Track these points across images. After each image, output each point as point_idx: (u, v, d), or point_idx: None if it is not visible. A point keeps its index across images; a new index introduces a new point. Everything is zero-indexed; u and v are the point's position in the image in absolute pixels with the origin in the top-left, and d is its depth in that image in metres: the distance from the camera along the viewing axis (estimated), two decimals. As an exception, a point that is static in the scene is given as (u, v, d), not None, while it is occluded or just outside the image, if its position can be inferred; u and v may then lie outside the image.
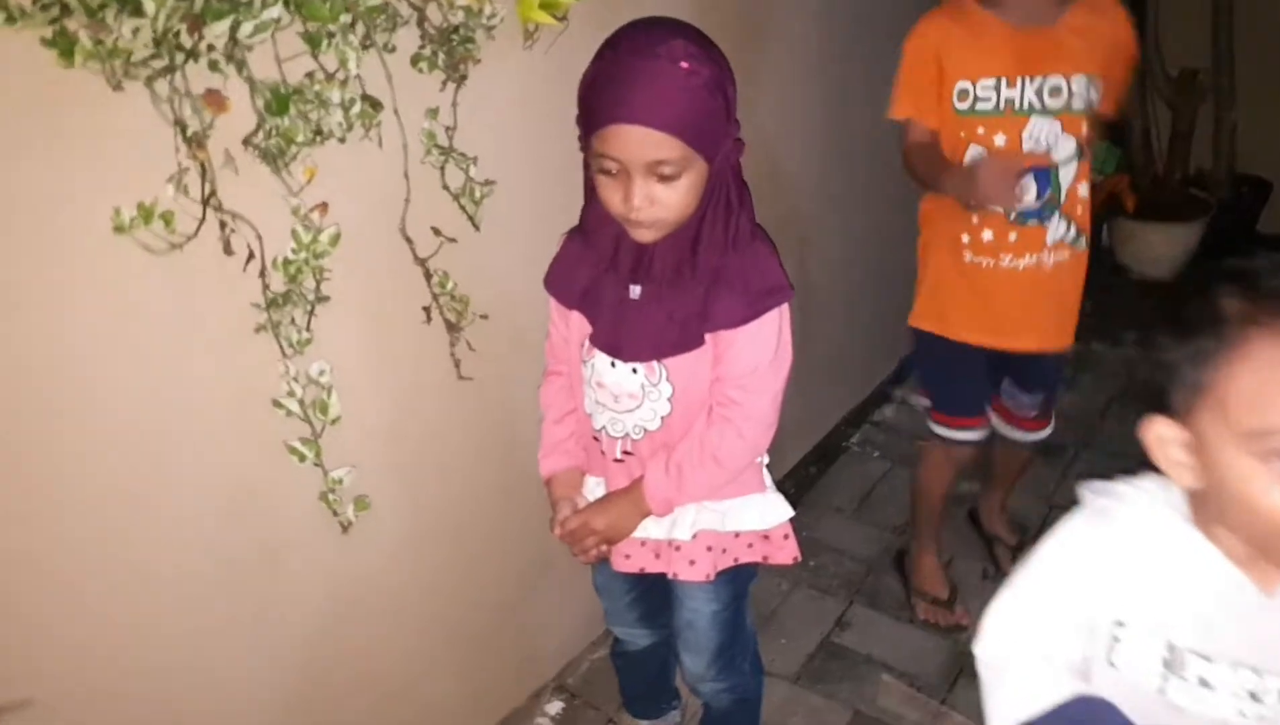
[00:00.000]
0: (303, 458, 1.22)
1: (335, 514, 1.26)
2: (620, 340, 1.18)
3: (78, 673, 1.12)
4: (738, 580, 1.37)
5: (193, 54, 1.00)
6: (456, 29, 1.27)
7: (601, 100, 1.04)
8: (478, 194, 1.39)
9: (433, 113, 1.31)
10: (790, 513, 1.34)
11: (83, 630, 1.11)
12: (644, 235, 1.12)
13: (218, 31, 1.01)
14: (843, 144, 2.37)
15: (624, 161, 1.06)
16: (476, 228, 1.41)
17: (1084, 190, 1.70)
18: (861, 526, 2.48)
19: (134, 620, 1.16)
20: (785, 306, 1.20)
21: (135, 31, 0.93)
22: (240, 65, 1.05)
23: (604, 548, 1.26)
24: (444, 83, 1.31)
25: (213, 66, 1.03)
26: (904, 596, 2.19)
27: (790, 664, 2.02)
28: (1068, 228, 1.70)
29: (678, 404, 1.20)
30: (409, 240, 1.31)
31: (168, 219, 1.07)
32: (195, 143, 1.04)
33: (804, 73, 2.16)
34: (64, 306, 1.03)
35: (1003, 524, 2.31)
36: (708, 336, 1.16)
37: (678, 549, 1.28)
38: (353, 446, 1.29)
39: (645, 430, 1.22)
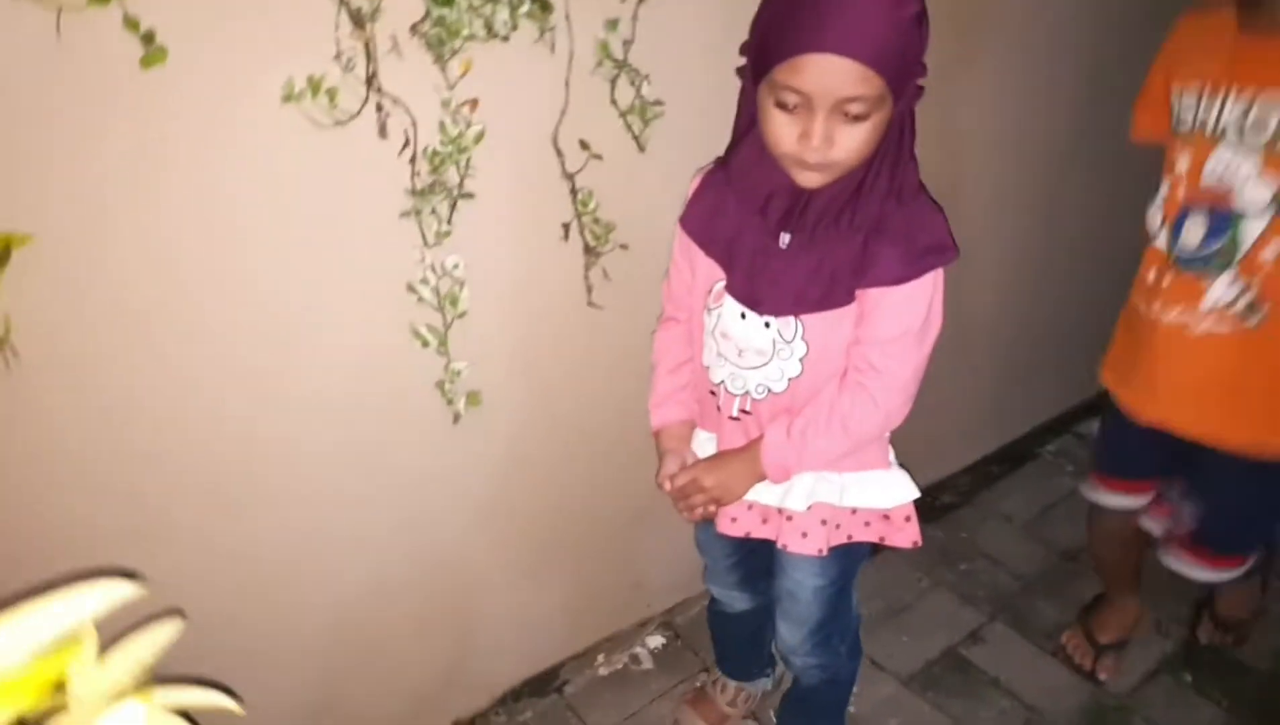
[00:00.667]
0: (426, 343, 1.26)
1: (449, 403, 1.31)
2: (760, 291, 1.11)
3: (206, 539, 1.24)
4: (848, 558, 1.30)
5: (364, -65, 1.03)
6: (643, -63, 1.22)
7: (795, 25, 0.94)
8: (648, 114, 1.36)
9: (612, 24, 1.28)
10: (915, 493, 1.25)
11: (209, 491, 1.23)
12: (811, 179, 1.03)
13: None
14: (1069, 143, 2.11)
15: (812, 95, 0.96)
16: (641, 149, 1.38)
17: (1271, 254, 1.32)
18: (1029, 541, 2.28)
19: (255, 488, 1.27)
20: (939, 273, 1.09)
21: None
22: (410, -49, 1.07)
23: (711, 508, 1.22)
24: (623, -6, 1.27)
25: (384, -50, 1.06)
26: (1058, 624, 1.99)
27: (906, 664, 1.91)
28: (1239, 296, 1.35)
29: (809, 367, 1.13)
30: (559, 152, 1.30)
31: (332, 95, 1.12)
32: (360, 24, 1.08)
33: (1024, 65, 1.93)
34: (229, 167, 1.11)
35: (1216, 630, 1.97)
36: (855, 294, 1.07)
37: (790, 519, 1.22)
38: (474, 343, 1.32)
39: (769, 390, 1.16)
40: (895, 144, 1.02)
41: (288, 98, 1.10)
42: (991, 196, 2.03)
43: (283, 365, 1.23)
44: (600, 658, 1.89)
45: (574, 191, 1.34)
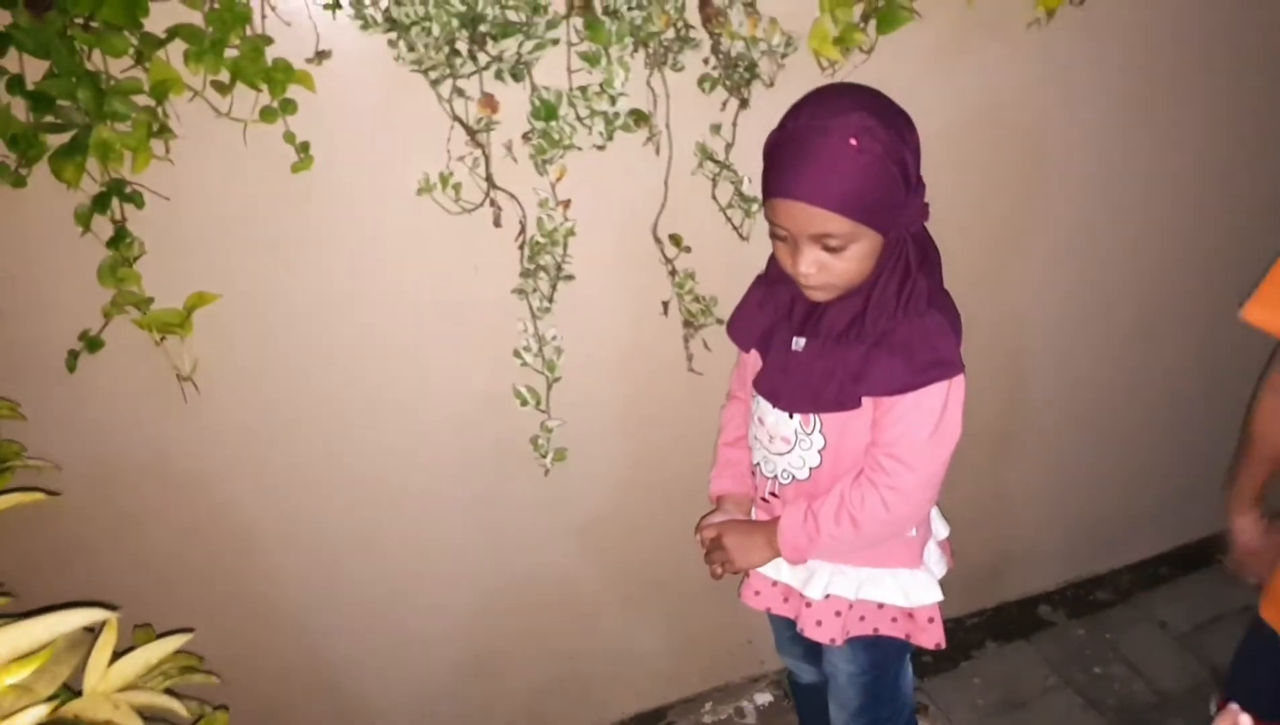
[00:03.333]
0: (524, 402, 1.44)
1: (541, 457, 1.48)
2: (780, 387, 1.21)
3: (323, 549, 1.49)
4: (877, 649, 1.33)
5: (478, 65, 1.22)
6: (741, 57, 1.33)
7: (772, 170, 1.07)
8: (753, 209, 1.46)
9: (715, 128, 1.41)
10: (938, 597, 1.27)
11: (343, 510, 1.48)
12: (815, 295, 1.14)
13: (504, 47, 1.21)
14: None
15: (789, 231, 1.08)
16: (744, 238, 1.49)
17: None
18: (1181, 654, 2.12)
19: (380, 515, 1.51)
20: (957, 383, 1.13)
21: (425, 46, 1.17)
22: (519, 75, 1.25)
23: (729, 568, 1.31)
24: (724, 103, 1.39)
25: (498, 76, 1.25)
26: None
27: (1004, 762, 1.86)
28: None
29: (828, 458, 1.20)
30: (658, 240, 1.44)
31: (457, 189, 1.33)
32: (473, 135, 1.28)
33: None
34: (373, 244, 1.35)
35: None
36: (867, 400, 1.14)
37: (808, 605, 1.29)
38: (570, 405, 1.48)
39: (793, 476, 1.24)
40: (901, 261, 1.09)
41: (421, 190, 1.31)
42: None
43: (409, 413, 1.46)
44: (708, 705, 2.00)
45: (673, 273, 1.47)
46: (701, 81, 1.36)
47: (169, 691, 0.90)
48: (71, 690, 0.65)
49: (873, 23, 1.35)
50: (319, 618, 1.57)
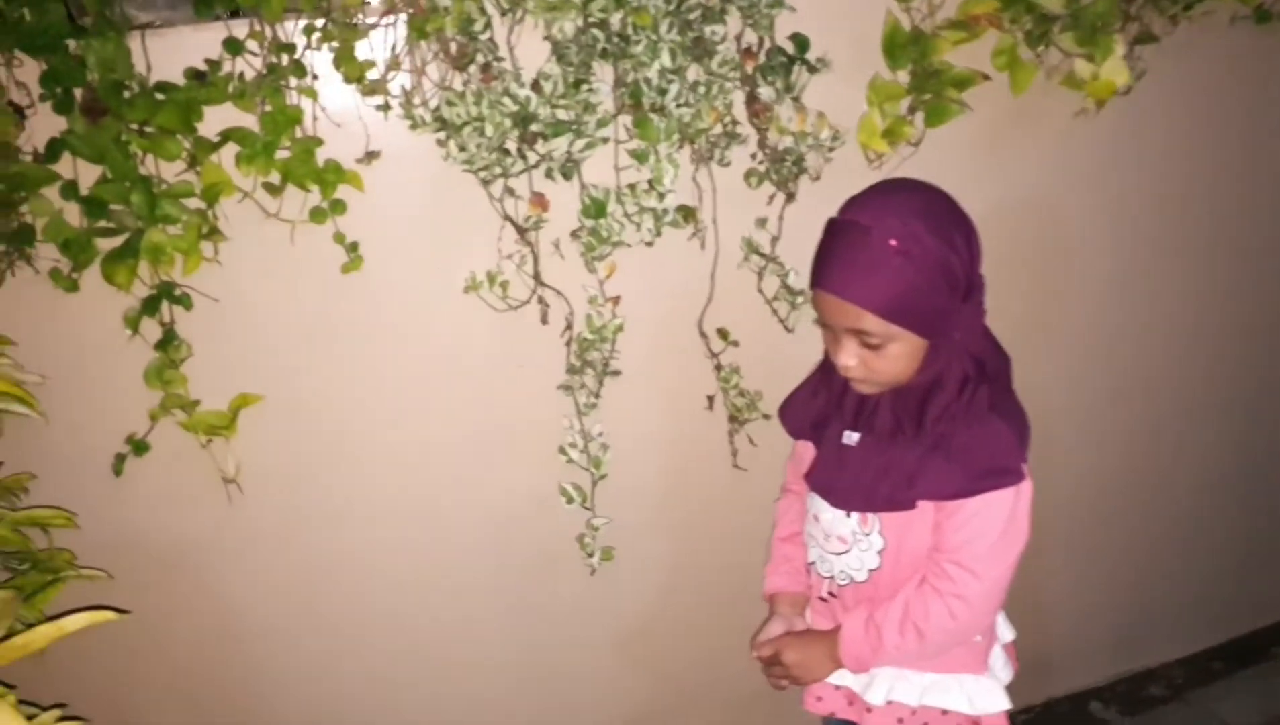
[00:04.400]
0: (570, 499, 1.41)
1: (588, 556, 1.44)
2: (833, 483, 1.17)
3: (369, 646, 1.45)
4: (941, 757, 1.26)
5: (528, 164, 1.23)
6: (788, 151, 1.33)
7: (816, 261, 1.06)
8: (799, 301, 1.45)
9: (761, 222, 1.40)
10: (1005, 705, 1.20)
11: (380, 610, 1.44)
12: (861, 388, 1.11)
13: (554, 146, 1.22)
14: None
15: (828, 323, 1.06)
16: (789, 330, 1.47)
17: None
18: (1247, 756, 2.02)
19: (412, 610, 1.47)
20: (1024, 489, 1.09)
21: (477, 146, 1.17)
22: (569, 173, 1.25)
23: (793, 684, 1.26)
24: (770, 196, 1.38)
25: (547, 174, 1.25)
26: None
27: None
28: None
29: (888, 561, 1.16)
30: (704, 335, 1.42)
31: (504, 286, 1.32)
32: (522, 233, 1.27)
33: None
34: (420, 341, 1.34)
35: None
36: (927, 503, 1.10)
37: (869, 710, 1.23)
38: (616, 502, 1.44)
39: (851, 578, 1.19)
40: (957, 366, 1.05)
41: (468, 288, 1.30)
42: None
43: (451, 506, 1.42)
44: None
45: (718, 368, 1.45)
46: (748, 176, 1.36)
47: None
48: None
49: (919, 115, 1.35)
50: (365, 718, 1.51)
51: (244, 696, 1.43)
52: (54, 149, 1.14)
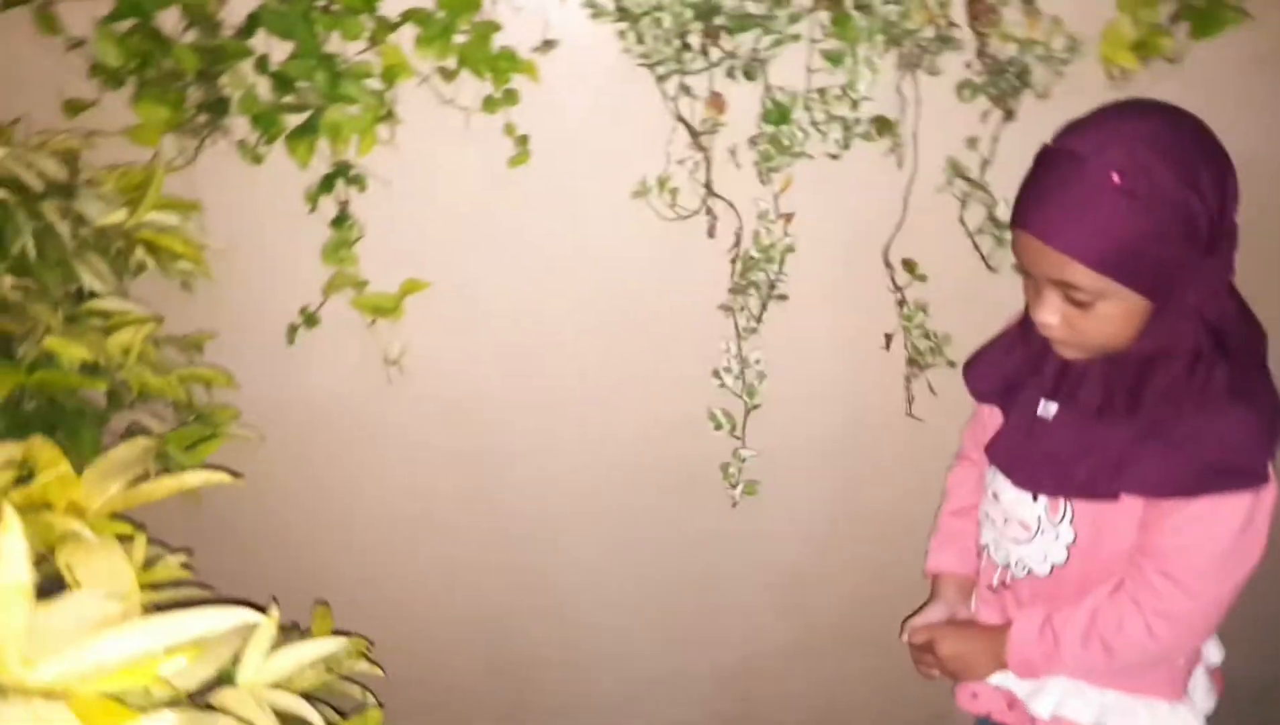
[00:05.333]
0: (719, 426, 1.33)
1: (731, 487, 1.36)
2: (1019, 458, 1.00)
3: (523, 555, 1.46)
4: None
5: (709, 61, 1.13)
6: (1012, 61, 1.15)
7: (1021, 192, 0.89)
8: (1008, 236, 1.27)
9: (971, 142, 1.23)
10: (1200, 736, 1.03)
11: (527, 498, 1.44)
12: (1064, 351, 0.93)
13: (738, 42, 1.11)
14: None
15: (1027, 269, 0.89)
16: (992, 269, 1.30)
17: None
18: None
19: (554, 521, 1.46)
20: (1263, 495, 0.89)
21: (655, 39, 1.08)
22: (753, 74, 1.14)
23: (944, 677, 1.13)
24: (984, 113, 1.21)
25: (729, 74, 1.15)
26: None
27: None
28: None
29: (1076, 558, 0.99)
30: (889, 265, 1.28)
31: (674, 194, 1.24)
32: (696, 137, 1.18)
33: None
34: (582, 243, 1.29)
35: None
36: (1136, 497, 0.93)
37: (1032, 721, 1.08)
38: (767, 434, 1.35)
39: (1029, 570, 1.03)
40: (1192, 337, 0.86)
41: (637, 193, 1.24)
42: None
43: (597, 415, 1.39)
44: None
45: (902, 303, 1.31)
46: (961, 88, 1.19)
47: (310, 698, 0.88)
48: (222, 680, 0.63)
49: (1183, 25, 1.12)
50: (494, 620, 1.54)
51: (359, 583, 1.48)
52: (250, 23, 1.17)
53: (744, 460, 1.35)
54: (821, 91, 1.15)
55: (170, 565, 0.74)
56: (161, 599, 0.69)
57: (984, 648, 1.06)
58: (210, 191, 1.21)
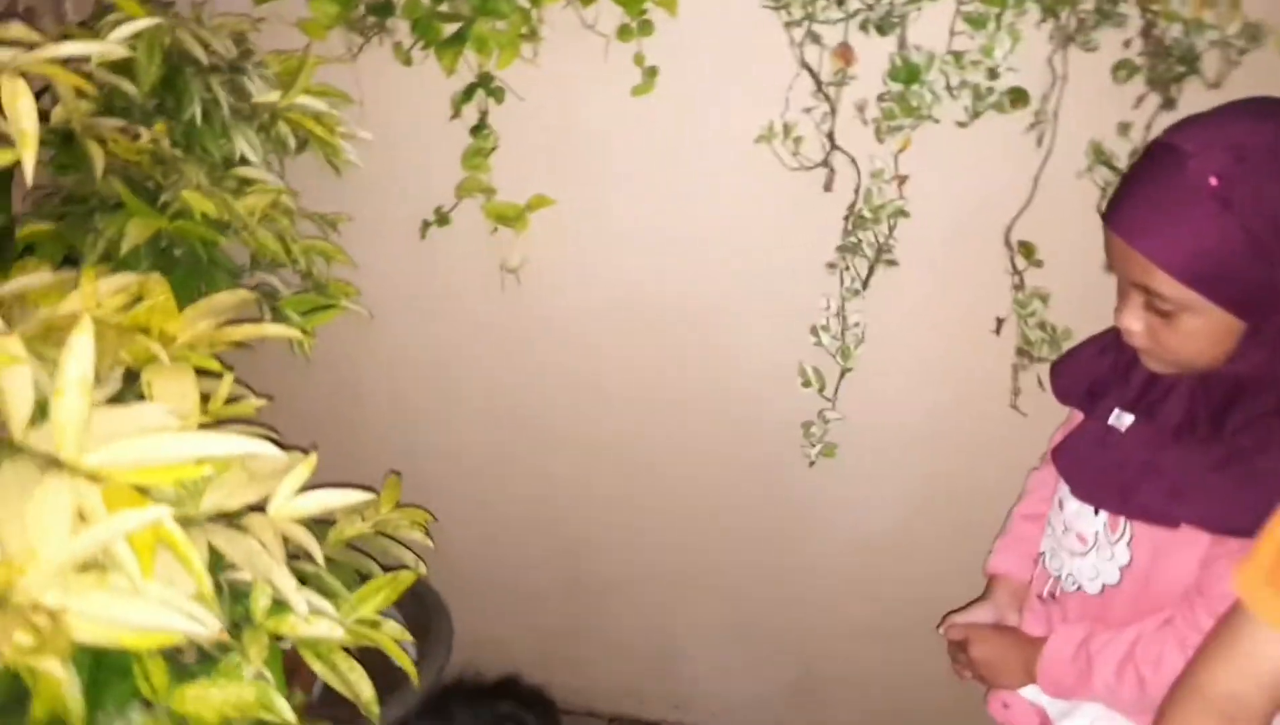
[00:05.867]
0: (808, 383, 1.33)
1: (810, 446, 1.36)
2: (1082, 468, 0.95)
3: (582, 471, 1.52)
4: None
5: (846, 12, 1.11)
6: (1178, 44, 1.06)
7: (1118, 186, 0.82)
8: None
9: (1123, 128, 1.15)
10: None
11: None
12: (1148, 362, 0.87)
13: (877, -5, 1.09)
14: None
15: (1114, 268, 0.84)
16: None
17: None
18: None
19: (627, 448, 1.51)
20: None
21: (787, -17, 1.08)
22: (887, 28, 1.11)
23: (975, 678, 1.10)
24: (1140, 98, 1.12)
25: (862, 26, 1.12)
26: None
27: None
28: None
29: (1130, 582, 0.93)
30: (1010, 247, 1.22)
31: (798, 142, 1.24)
32: (821, 86, 1.17)
33: None
34: (702, 183, 1.31)
35: None
36: (1195, 527, 0.87)
37: None
38: (855, 399, 1.34)
39: (1080, 586, 0.99)
40: None
41: (761, 138, 1.24)
42: None
43: (693, 352, 1.42)
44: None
45: (1018, 288, 1.25)
46: (1117, 69, 1.11)
47: (358, 556, 0.98)
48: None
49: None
50: (570, 540, 1.62)
51: (441, 471, 1.58)
52: (419, -70, 1.25)
53: (828, 422, 1.34)
54: (957, 55, 1.11)
55: (247, 406, 0.84)
56: (228, 429, 0.79)
57: (1017, 657, 1.02)
58: (369, 88, 1.32)
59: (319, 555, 0.68)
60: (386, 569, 0.95)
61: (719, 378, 1.42)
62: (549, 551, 1.64)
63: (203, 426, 0.71)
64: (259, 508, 0.71)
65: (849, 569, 1.52)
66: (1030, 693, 1.04)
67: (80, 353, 0.59)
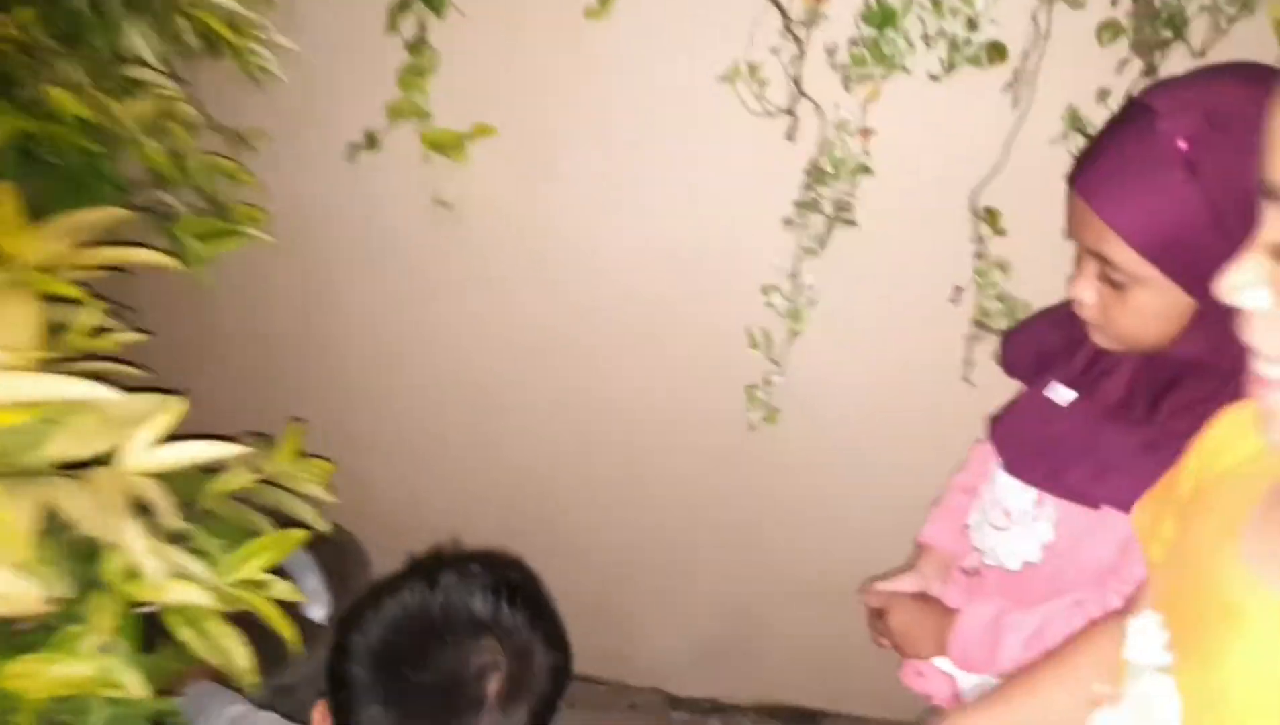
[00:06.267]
0: (755, 345, 1.27)
1: (749, 409, 1.30)
2: (1013, 440, 0.91)
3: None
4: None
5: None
6: (1167, 6, 0.99)
7: (1086, 144, 0.76)
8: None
9: (1102, 95, 1.08)
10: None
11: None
12: (1097, 337, 0.82)
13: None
14: None
15: (1074, 236, 0.78)
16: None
17: None
18: None
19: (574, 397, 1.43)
20: None
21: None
22: (862, -34, 1.02)
23: (891, 646, 1.06)
24: (1122, 62, 1.05)
25: (837, -40, 1.03)
26: None
27: None
28: None
29: (1050, 560, 0.89)
30: (975, 213, 1.16)
31: (763, 84, 1.15)
32: (789, 25, 1.08)
33: None
34: (655, 118, 1.22)
35: None
36: (1109, 508, 0.83)
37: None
38: (800, 364, 1.28)
39: (1001, 563, 0.95)
40: (1238, 349, 0.72)
41: (726, 77, 1.15)
42: None
43: (636, 310, 1.34)
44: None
45: (979, 256, 1.19)
46: (1102, 29, 1.04)
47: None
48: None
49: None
50: (508, 487, 1.54)
51: (351, 409, 1.49)
52: None
53: (772, 385, 1.28)
54: (936, 2, 1.02)
55: (109, 341, 0.74)
56: (81, 368, 0.70)
57: (931, 627, 0.99)
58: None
59: (168, 513, 0.60)
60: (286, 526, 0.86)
61: (663, 333, 1.34)
62: (485, 505, 1.56)
63: (49, 364, 0.62)
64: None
65: (789, 535, 1.47)
66: (944, 663, 1.01)
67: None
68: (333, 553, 1.40)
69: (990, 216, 1.15)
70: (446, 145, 1.28)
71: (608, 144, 1.25)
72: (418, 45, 1.22)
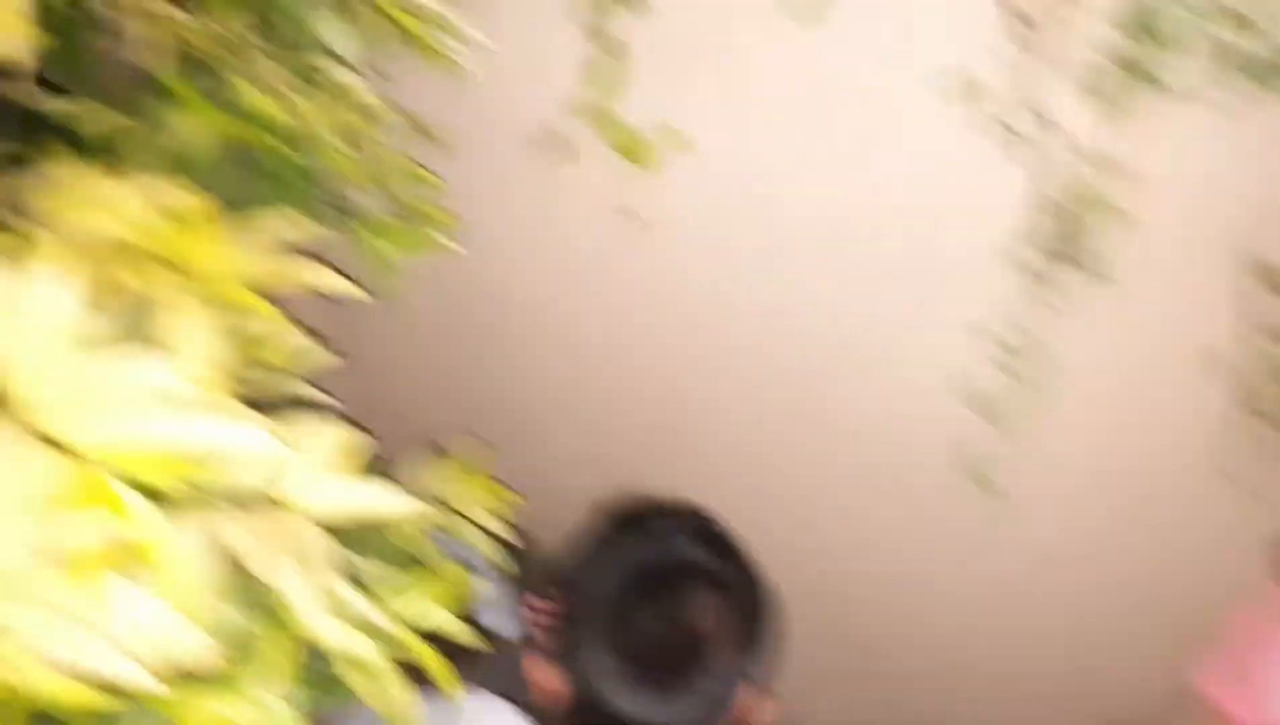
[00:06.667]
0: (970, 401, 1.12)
1: (966, 477, 1.15)
2: None
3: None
4: None
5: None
6: None
7: None
8: None
9: None
10: None
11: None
12: None
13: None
14: None
15: None
16: None
17: None
18: None
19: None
20: None
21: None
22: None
23: None
24: None
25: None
26: None
27: None
28: None
29: None
30: (1251, 267, 0.98)
31: (990, 99, 1.02)
32: (1028, 26, 0.94)
33: None
34: (869, 140, 1.12)
35: None
36: None
37: None
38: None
39: None
40: None
41: (947, 90, 1.03)
42: None
43: (829, 388, 1.25)
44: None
45: (1258, 327, 1.01)
46: None
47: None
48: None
49: None
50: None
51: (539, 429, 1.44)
52: None
53: (988, 450, 1.12)
54: (1232, 12, 0.86)
55: (308, 364, 0.70)
56: (267, 395, 0.65)
57: None
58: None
59: (338, 554, 0.55)
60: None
61: (865, 378, 1.23)
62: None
63: (240, 388, 0.58)
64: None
65: (977, 622, 1.33)
66: None
67: (48, 285, 0.44)
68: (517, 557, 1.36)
69: (1269, 275, 0.97)
70: (636, 152, 1.21)
71: (810, 154, 1.15)
72: (609, 40, 1.15)
